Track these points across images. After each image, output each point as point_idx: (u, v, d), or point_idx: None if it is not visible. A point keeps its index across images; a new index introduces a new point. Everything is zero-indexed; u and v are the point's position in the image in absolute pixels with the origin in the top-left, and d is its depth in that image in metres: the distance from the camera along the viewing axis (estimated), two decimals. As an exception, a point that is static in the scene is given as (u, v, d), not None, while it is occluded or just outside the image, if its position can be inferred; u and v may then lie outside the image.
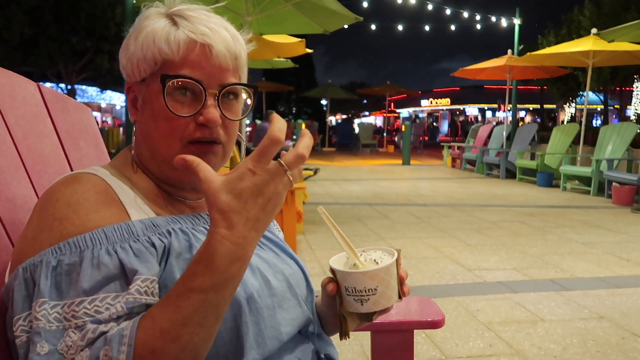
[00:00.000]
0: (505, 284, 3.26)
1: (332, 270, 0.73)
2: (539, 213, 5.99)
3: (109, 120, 26.67)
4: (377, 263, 0.71)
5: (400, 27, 15.24)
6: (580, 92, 14.70)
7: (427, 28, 15.49)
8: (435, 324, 1.09)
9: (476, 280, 3.35)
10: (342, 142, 22.62)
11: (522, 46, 12.13)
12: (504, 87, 11.26)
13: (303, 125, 13.09)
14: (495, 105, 35.61)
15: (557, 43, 12.18)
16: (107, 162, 1.07)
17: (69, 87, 15.69)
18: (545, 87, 17.62)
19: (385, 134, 22.07)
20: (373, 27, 15.37)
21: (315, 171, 6.87)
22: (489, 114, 39.51)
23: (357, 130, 22.06)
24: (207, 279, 0.56)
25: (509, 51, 10.69)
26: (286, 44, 7.26)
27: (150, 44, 0.70)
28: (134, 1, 6.40)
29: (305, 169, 6.37)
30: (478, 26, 14.73)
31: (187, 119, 0.70)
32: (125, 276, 0.62)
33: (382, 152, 19.16)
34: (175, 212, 0.76)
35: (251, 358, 0.67)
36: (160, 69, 0.71)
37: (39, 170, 0.92)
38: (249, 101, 0.78)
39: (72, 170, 0.99)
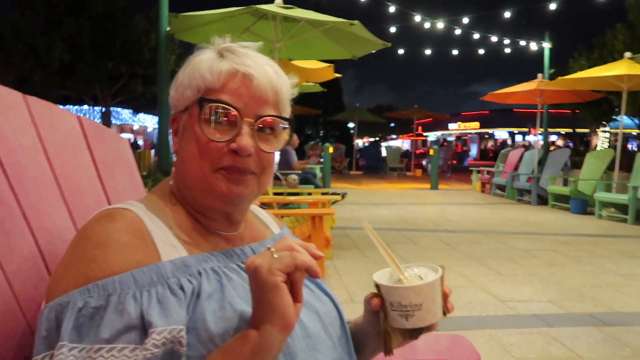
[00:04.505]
0: (540, 317, 3.14)
1: (377, 285, 0.72)
2: (574, 242, 5.79)
3: (141, 142, 27.37)
4: (422, 279, 0.71)
5: (428, 52, 15.27)
6: (614, 117, 14.35)
7: (455, 52, 15.48)
8: (471, 365, 1.05)
9: (509, 312, 3.24)
10: (369, 166, 22.56)
11: (552, 70, 12.00)
12: (534, 110, 11.09)
13: (330, 149, 13.12)
14: (526, 129, 35.08)
15: (589, 67, 11.96)
16: (141, 191, 1.08)
17: (104, 109, 16.21)
18: (577, 111, 17.27)
19: (413, 158, 21.92)
20: (401, 51, 15.47)
21: (343, 196, 6.85)
22: (518, 137, 38.91)
23: (384, 153, 21.99)
24: None
25: (540, 75, 10.55)
26: (315, 69, 7.35)
27: (195, 72, 0.73)
28: (168, 28, 6.61)
29: (333, 194, 6.36)
30: (507, 50, 14.64)
31: (220, 145, 0.71)
32: (144, 327, 0.61)
33: (410, 176, 19.01)
34: (209, 247, 0.75)
35: None
36: (202, 96, 0.73)
37: (77, 201, 0.94)
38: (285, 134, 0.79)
39: (107, 199, 1.00)
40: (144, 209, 0.73)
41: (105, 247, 0.65)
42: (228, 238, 0.78)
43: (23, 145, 0.86)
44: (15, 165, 0.83)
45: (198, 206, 0.76)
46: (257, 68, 0.73)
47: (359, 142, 36.66)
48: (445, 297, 0.72)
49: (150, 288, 0.63)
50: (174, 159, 0.79)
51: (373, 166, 22.13)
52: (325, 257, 4.36)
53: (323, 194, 5.85)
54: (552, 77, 11.22)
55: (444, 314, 0.72)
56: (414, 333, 0.71)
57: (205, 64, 0.73)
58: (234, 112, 0.71)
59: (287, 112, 0.78)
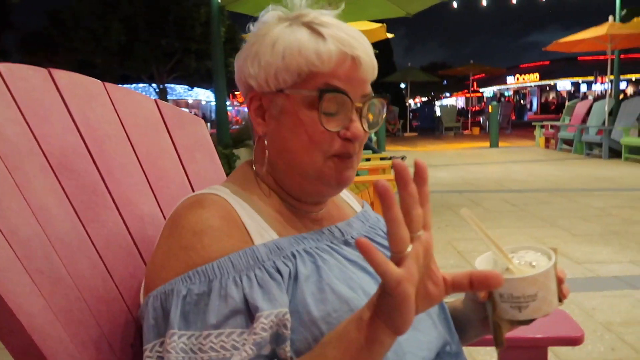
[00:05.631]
0: (622, 279, 2.97)
1: None
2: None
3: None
4: (534, 266, 0.65)
5: (484, 1, 14.44)
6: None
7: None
8: (574, 341, 0.99)
9: (588, 275, 3.09)
10: (424, 126, 22.03)
11: (625, 11, 10.99)
12: (601, 57, 10.34)
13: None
14: (592, 78, 32.84)
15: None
16: (222, 174, 1.08)
17: (161, 86, 16.69)
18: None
19: (469, 116, 21.17)
20: (455, 4, 14.72)
21: (402, 159, 6.73)
22: (583, 87, 36.51)
23: (438, 113, 21.37)
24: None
25: (610, 17, 9.71)
26: (367, 31, 7.13)
27: (295, 54, 0.68)
28: (219, 1, 6.59)
29: (391, 158, 6.26)
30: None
31: (331, 132, 0.68)
32: (249, 311, 0.60)
33: (467, 135, 18.41)
34: (298, 228, 0.74)
35: None
36: (305, 80, 0.68)
37: (162, 186, 0.94)
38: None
39: (190, 184, 1.00)
40: (229, 193, 0.72)
41: (201, 233, 0.65)
42: (315, 218, 0.77)
43: (109, 134, 0.87)
44: (103, 155, 0.84)
45: (299, 191, 0.74)
46: (361, 49, 0.69)
47: (411, 103, 35.78)
48: (560, 282, 0.66)
49: (249, 272, 0.63)
50: (257, 140, 0.76)
51: (428, 127, 21.59)
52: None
53: (381, 158, 5.75)
54: (624, 20, 10.30)
55: (560, 300, 0.66)
56: (528, 321, 0.66)
57: (309, 46, 0.67)
58: (346, 99, 0.68)
59: None
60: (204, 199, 0.70)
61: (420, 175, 0.52)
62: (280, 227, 0.72)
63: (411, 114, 24.81)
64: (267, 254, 0.66)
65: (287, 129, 0.70)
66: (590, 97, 15.11)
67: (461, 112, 25.22)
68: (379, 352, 0.54)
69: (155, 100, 1.01)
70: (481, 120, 21.93)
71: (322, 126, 0.68)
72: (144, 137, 0.94)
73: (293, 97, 0.69)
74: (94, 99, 0.87)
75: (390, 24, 7.58)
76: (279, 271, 0.64)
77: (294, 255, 0.67)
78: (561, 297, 0.66)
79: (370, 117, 0.73)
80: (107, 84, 0.92)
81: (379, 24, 7.18)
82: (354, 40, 0.69)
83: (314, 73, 0.68)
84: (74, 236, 0.71)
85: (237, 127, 10.18)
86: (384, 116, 0.75)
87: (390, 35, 7.93)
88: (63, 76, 0.82)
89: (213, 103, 8.67)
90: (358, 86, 0.69)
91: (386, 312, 0.52)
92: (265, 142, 0.73)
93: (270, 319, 0.59)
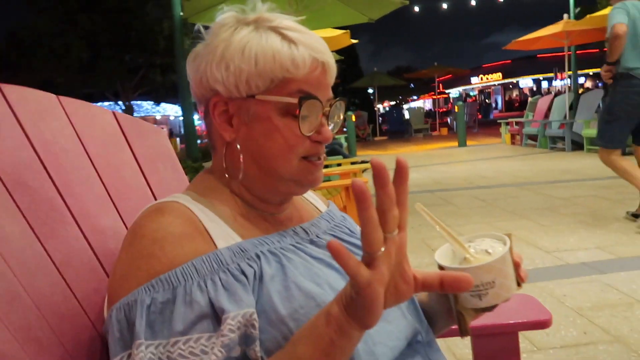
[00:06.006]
0: (590, 265, 3.06)
1: (441, 268, 0.67)
2: (615, 185, 5.60)
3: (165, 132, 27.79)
4: (489, 253, 0.66)
5: (444, 5, 14.77)
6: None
7: (472, 2, 14.92)
8: (542, 324, 1.02)
9: (557, 263, 3.17)
10: (393, 130, 22.28)
11: (578, 9, 11.41)
12: (560, 54, 10.66)
13: (353, 117, 12.97)
14: (551, 75, 33.87)
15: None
16: (185, 183, 1.07)
17: (127, 103, 16.41)
18: (605, 49, 16.50)
19: (437, 117, 21.51)
20: (417, 8, 15.01)
21: (372, 162, 6.77)
22: (544, 84, 37.60)
23: (407, 115, 21.66)
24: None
25: (565, 16, 10.07)
26: (331, 38, 7.19)
27: (269, 60, 0.68)
28: (181, 13, 6.55)
29: (362, 162, 6.31)
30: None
31: (304, 136, 0.70)
32: (215, 314, 0.60)
33: (436, 136, 18.72)
34: (261, 230, 0.74)
35: None
36: (278, 86, 0.69)
37: (124, 198, 0.92)
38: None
39: (153, 194, 0.99)
40: (190, 200, 0.72)
41: (162, 240, 0.64)
42: (278, 220, 0.77)
43: (65, 148, 0.85)
44: (60, 170, 0.82)
45: (269, 193, 0.75)
46: (328, 54, 0.71)
47: (380, 107, 36.17)
48: (517, 266, 0.68)
49: (213, 276, 0.62)
50: (238, 146, 0.72)
51: (397, 130, 21.84)
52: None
53: (352, 163, 5.78)
54: (578, 17, 10.69)
55: (518, 284, 0.67)
56: (489, 308, 0.67)
57: (283, 53, 0.68)
58: (318, 104, 0.70)
59: None
60: (163, 206, 0.69)
61: (400, 174, 0.52)
62: (243, 230, 0.72)
63: (380, 118, 25.04)
64: (230, 256, 0.65)
65: (261, 135, 0.70)
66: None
67: (429, 114, 25.64)
68: (349, 346, 0.55)
69: (112, 112, 0.99)
70: (449, 121, 22.34)
71: (299, 131, 0.69)
72: (103, 150, 0.93)
73: (267, 102, 0.69)
74: (47, 113, 0.85)
75: (354, 30, 7.67)
76: (243, 273, 0.64)
77: (258, 257, 0.67)
78: (519, 281, 0.67)
79: (336, 118, 0.76)
80: (61, 97, 0.90)
81: (343, 31, 7.26)
82: (322, 46, 0.71)
83: (287, 79, 0.68)
84: (31, 254, 0.69)
85: (207, 140, 10.08)
86: (342, 117, 0.78)
87: (354, 41, 8.02)
88: (13, 90, 0.80)
89: (182, 118, 8.54)
90: (325, 91, 0.72)
91: (354, 309, 0.52)
92: (238, 146, 0.72)
93: (237, 319, 0.59)
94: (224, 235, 0.69)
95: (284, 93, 0.69)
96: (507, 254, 0.65)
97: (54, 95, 0.88)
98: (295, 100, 0.68)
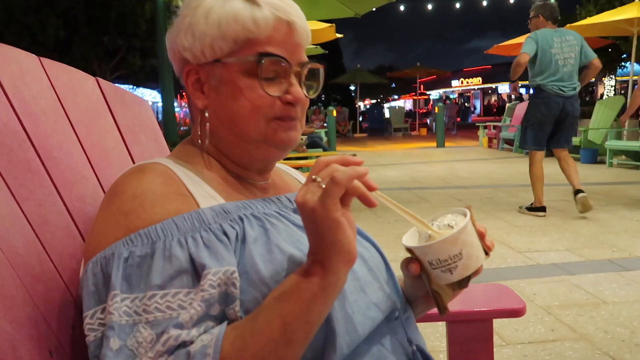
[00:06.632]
0: (560, 266, 3.14)
1: (409, 250, 0.68)
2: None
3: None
4: (452, 227, 0.66)
5: (429, 7, 14.88)
6: (623, 64, 14.03)
7: (457, 6, 15.08)
8: (516, 312, 1.04)
9: (528, 262, 3.24)
10: (373, 127, 22.39)
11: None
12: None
13: (334, 112, 12.98)
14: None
15: (597, 13, 11.61)
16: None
17: (104, 86, 16.00)
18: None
19: (417, 117, 21.70)
20: (402, 8, 15.08)
21: (354, 156, 6.79)
22: (523, 90, 38.34)
23: (387, 114, 21.79)
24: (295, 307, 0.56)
25: (546, 24, 10.25)
26: (316, 30, 7.17)
27: (231, 22, 0.67)
28: (164, -4, 6.42)
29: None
30: (511, 0, 14.23)
31: (272, 97, 0.69)
32: (195, 271, 0.59)
33: (415, 136, 18.89)
34: (244, 196, 0.74)
35: (344, 343, 0.63)
36: (242, 48, 0.68)
37: (105, 167, 0.90)
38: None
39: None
40: (172, 163, 0.71)
41: (142, 197, 0.63)
42: (261, 187, 0.78)
43: (45, 111, 0.82)
44: (39, 132, 0.80)
45: (246, 159, 0.74)
46: (295, 14, 0.70)
47: (361, 105, 36.30)
48: (482, 236, 0.68)
49: (194, 233, 0.61)
50: (194, 115, 0.75)
51: (377, 128, 21.96)
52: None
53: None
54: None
55: (486, 253, 0.68)
56: (463, 282, 0.67)
57: (244, 14, 0.67)
58: (285, 64, 0.69)
59: None
60: (145, 166, 0.69)
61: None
62: (226, 194, 0.71)
63: (361, 115, 25.13)
64: (213, 216, 0.65)
65: (228, 98, 0.70)
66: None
67: (409, 114, 25.83)
68: (334, 287, 0.56)
69: (95, 78, 0.97)
70: (428, 122, 22.55)
71: (262, 90, 0.68)
72: (84, 116, 0.90)
73: (230, 65, 0.69)
74: (28, 74, 0.82)
75: (339, 26, 7.66)
76: (225, 234, 0.63)
77: (241, 219, 0.66)
78: (487, 250, 0.68)
79: (313, 82, 0.74)
80: (43, 59, 0.87)
81: (328, 24, 7.24)
82: (288, 6, 0.70)
83: (250, 40, 0.68)
84: (6, 212, 0.67)
85: (186, 128, 9.93)
86: (321, 83, 0.76)
87: (339, 35, 8.02)
88: (-7, 47, 0.77)
89: (160, 104, 8.39)
90: (294, 51, 0.70)
91: (328, 248, 0.54)
92: (206, 114, 0.72)
93: (218, 276, 0.58)
94: (207, 196, 0.68)
95: (247, 54, 0.68)
96: (468, 223, 0.65)
97: (35, 56, 0.85)
98: (254, 59, 0.68)
